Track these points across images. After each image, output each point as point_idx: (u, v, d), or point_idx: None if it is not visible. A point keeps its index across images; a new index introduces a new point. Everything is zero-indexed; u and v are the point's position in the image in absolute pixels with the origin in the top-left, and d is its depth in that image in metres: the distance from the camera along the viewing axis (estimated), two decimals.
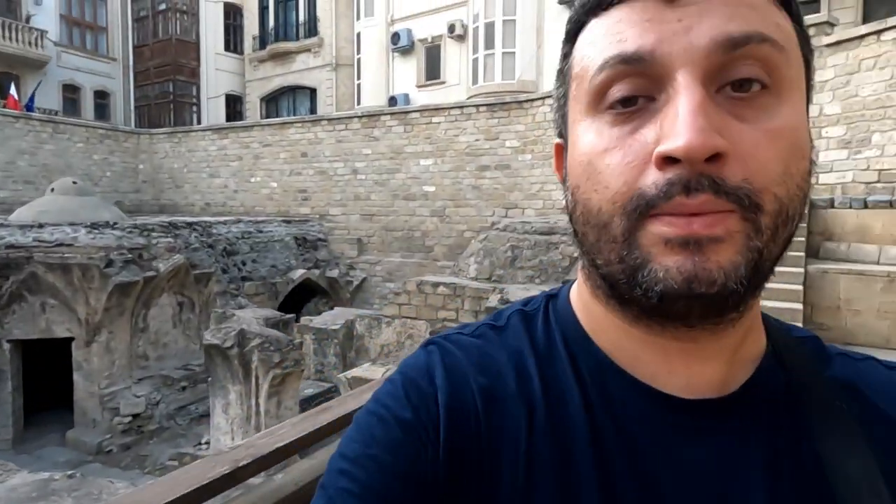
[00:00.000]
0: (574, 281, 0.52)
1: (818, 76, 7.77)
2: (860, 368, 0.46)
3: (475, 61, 16.20)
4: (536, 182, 11.74)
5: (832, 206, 6.70)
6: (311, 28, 21.29)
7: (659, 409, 0.42)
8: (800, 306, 5.34)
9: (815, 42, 7.89)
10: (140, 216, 13.51)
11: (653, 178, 0.35)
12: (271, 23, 22.34)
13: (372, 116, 14.01)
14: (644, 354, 0.43)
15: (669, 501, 0.40)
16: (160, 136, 17.61)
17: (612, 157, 0.37)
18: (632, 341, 0.43)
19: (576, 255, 5.66)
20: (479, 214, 12.24)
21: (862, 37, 6.92)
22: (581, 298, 0.48)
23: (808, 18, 8.50)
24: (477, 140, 12.48)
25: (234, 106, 23.66)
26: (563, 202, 0.44)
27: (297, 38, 21.59)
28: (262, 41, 22.53)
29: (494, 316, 0.52)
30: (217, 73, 23.01)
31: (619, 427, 0.42)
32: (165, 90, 22.11)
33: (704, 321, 0.38)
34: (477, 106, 12.70)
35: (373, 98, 18.97)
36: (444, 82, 17.79)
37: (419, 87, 18.41)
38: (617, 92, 0.37)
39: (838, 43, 7.11)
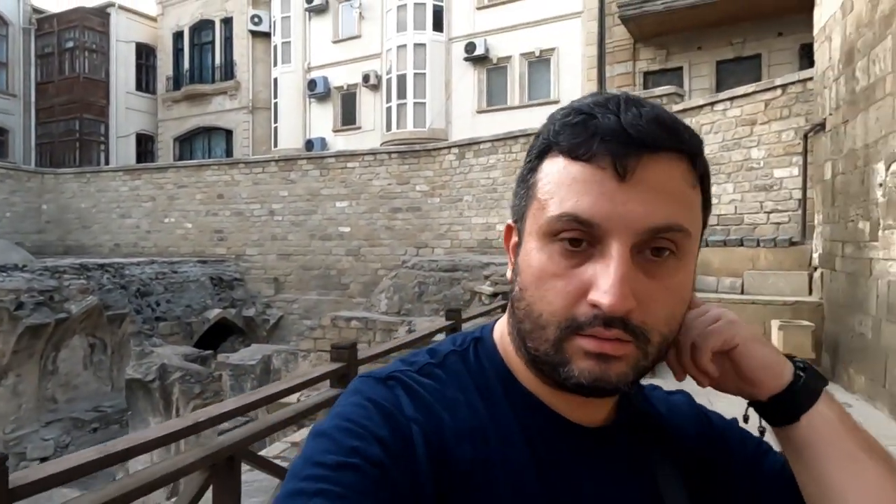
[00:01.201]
0: (493, 325, 0.62)
1: None
2: (653, 396, 0.66)
3: (389, 109, 17.22)
4: (444, 223, 12.72)
5: None
6: (228, 72, 21.65)
7: (575, 434, 0.55)
8: None
9: (666, 109, 9.41)
10: (44, 257, 13.21)
11: (584, 310, 0.48)
12: (186, 64, 22.49)
13: (289, 160, 14.61)
14: (555, 395, 0.55)
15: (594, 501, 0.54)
16: (67, 176, 17.24)
17: (558, 282, 0.49)
18: (545, 388, 0.55)
19: (475, 289, 6.61)
20: (392, 253, 13.02)
21: (700, 106, 8.47)
22: (506, 348, 0.57)
23: (663, 89, 10.14)
24: (390, 184, 13.35)
25: (146, 145, 23.36)
26: (508, 275, 0.57)
27: (213, 81, 21.85)
28: (177, 82, 22.58)
29: (430, 354, 0.58)
30: (128, 111, 22.73)
31: (551, 451, 0.53)
32: (71, 128, 21.58)
33: (597, 398, 0.53)
34: (389, 153, 13.63)
35: (290, 141, 19.49)
36: (359, 128, 18.65)
37: (335, 131, 19.15)
38: (568, 234, 0.48)
39: (685, 110, 8.63)
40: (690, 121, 8.68)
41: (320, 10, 19.47)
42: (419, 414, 0.50)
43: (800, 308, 6.36)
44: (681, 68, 13.53)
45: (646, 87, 13.52)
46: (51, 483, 1.36)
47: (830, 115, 6.08)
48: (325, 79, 19.20)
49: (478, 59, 16.28)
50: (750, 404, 0.59)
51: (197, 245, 15.09)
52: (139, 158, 22.27)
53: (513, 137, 12.16)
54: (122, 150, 22.40)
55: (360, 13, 18.61)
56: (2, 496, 1.31)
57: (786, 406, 0.56)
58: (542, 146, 0.52)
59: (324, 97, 19.35)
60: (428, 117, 16.63)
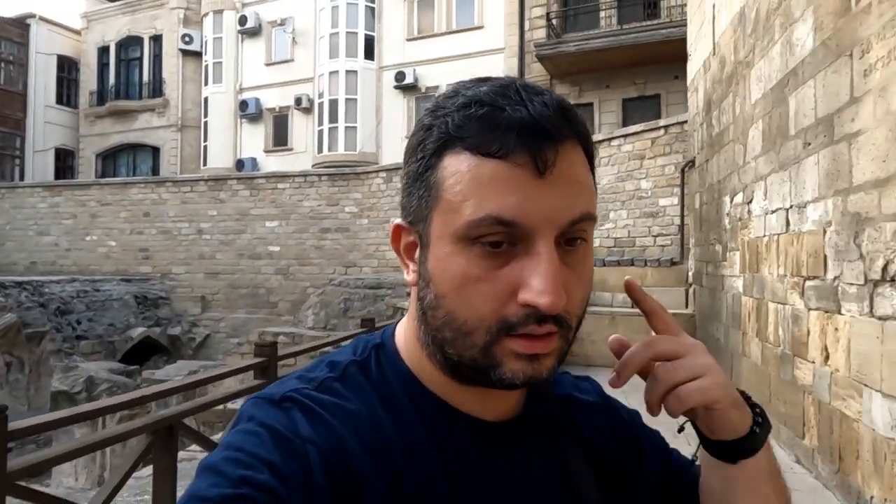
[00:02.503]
0: (393, 329, 0.60)
1: None
2: (562, 381, 0.68)
3: (320, 132, 17.69)
4: (373, 243, 13.27)
5: None
6: (156, 89, 21.46)
7: (479, 430, 0.55)
8: None
9: None
10: None
11: (514, 311, 0.47)
12: (112, 80, 22.10)
13: (219, 180, 14.77)
14: (463, 395, 0.54)
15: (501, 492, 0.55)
16: None
17: (481, 286, 0.47)
18: (455, 387, 0.54)
19: (397, 305, 7.27)
20: (322, 272, 13.42)
21: (599, 142, 9.51)
22: (410, 348, 0.56)
23: None
24: (320, 205, 13.80)
25: (66, 160, 22.64)
26: (408, 279, 0.55)
27: (140, 98, 21.59)
28: (101, 97, 22.13)
29: (329, 367, 0.56)
30: (47, 125, 22.03)
31: (458, 452, 0.54)
32: None
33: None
34: (319, 175, 14.10)
35: (220, 160, 19.54)
36: (291, 149, 18.98)
37: (267, 151, 19.38)
38: (491, 238, 0.47)
39: None
40: None
41: (253, 33, 19.78)
42: (316, 434, 0.48)
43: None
44: (592, 104, 14.81)
45: None
46: (42, 429, 1.86)
47: (698, 153, 7.16)
48: (258, 100, 19.45)
49: (407, 88, 17.08)
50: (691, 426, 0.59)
51: (120, 263, 14.89)
52: (58, 174, 21.57)
53: None
54: (40, 165, 21.64)
55: (293, 38, 19.07)
56: (1, 437, 1.80)
57: (730, 450, 0.56)
58: (441, 140, 0.49)
59: (255, 118, 19.57)
60: (359, 141, 17.22)
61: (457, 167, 0.48)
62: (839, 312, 3.28)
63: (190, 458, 3.60)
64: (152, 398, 2.42)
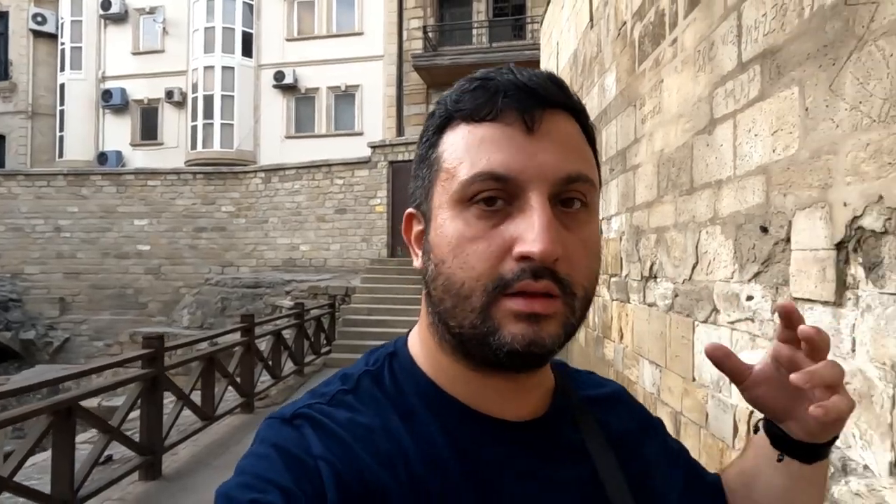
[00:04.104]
0: (406, 337, 0.59)
1: None
2: (590, 380, 0.67)
3: (194, 128, 17.16)
4: (250, 243, 13.29)
5: None
6: (2, 71, 19.51)
7: (502, 431, 0.53)
8: None
9: None
10: None
11: (510, 266, 0.46)
12: None
13: (80, 175, 13.95)
14: (484, 393, 0.53)
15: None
16: None
17: (478, 244, 0.47)
18: (473, 384, 0.53)
19: (276, 303, 7.68)
20: (196, 272, 13.20)
21: None
22: (425, 351, 0.55)
23: None
24: (194, 203, 13.54)
25: None
26: (416, 265, 0.54)
27: None
28: None
29: (342, 380, 0.55)
30: None
31: (481, 454, 0.51)
32: None
33: (529, 370, 0.51)
34: (194, 173, 13.82)
35: (79, 152, 18.22)
36: (161, 143, 18.16)
37: (134, 145, 18.39)
38: (484, 194, 0.47)
39: None
40: None
41: (118, 19, 18.68)
42: (328, 451, 0.47)
43: None
44: None
45: None
46: None
47: None
48: (123, 90, 18.40)
49: (287, 88, 17.10)
50: (769, 430, 0.60)
51: None
52: None
53: (316, 166, 13.29)
54: None
55: (164, 28, 18.30)
56: None
57: (814, 452, 0.58)
58: (441, 120, 0.52)
59: (121, 109, 18.50)
60: (235, 139, 16.96)
61: (453, 138, 0.50)
62: (628, 302, 4.28)
63: (87, 441, 3.84)
64: (47, 384, 2.75)
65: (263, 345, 6.50)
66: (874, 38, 1.78)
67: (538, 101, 0.49)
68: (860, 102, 1.83)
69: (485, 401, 0.53)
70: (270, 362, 6.60)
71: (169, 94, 17.80)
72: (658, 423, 0.68)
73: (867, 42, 1.81)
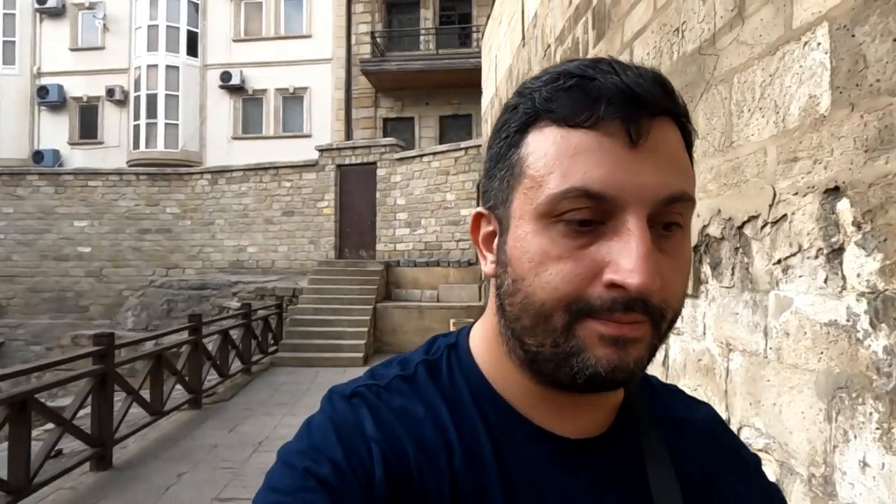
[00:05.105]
0: (469, 330, 0.57)
1: (393, 179, 11.52)
2: (668, 395, 0.61)
3: (137, 127, 16.84)
4: (196, 245, 13.24)
5: (398, 265, 10.19)
6: None
7: (553, 448, 0.50)
8: (367, 328, 8.32)
9: (389, 157, 11.71)
10: None
11: (598, 292, 0.42)
12: None
13: (15, 175, 13.54)
14: (541, 405, 0.50)
15: None
16: None
17: (564, 265, 0.43)
18: (532, 395, 0.50)
19: (223, 305, 7.83)
20: (140, 274, 13.04)
21: (412, 157, 10.81)
22: (489, 354, 0.52)
23: (387, 140, 12.41)
24: (138, 205, 13.37)
25: None
26: (486, 270, 0.51)
27: None
28: None
29: (401, 365, 0.55)
30: None
31: (522, 466, 0.49)
32: None
33: (602, 392, 0.47)
34: (137, 174, 13.64)
35: (11, 150, 17.55)
36: (102, 143, 17.71)
37: (72, 144, 17.86)
38: (577, 214, 0.42)
39: (402, 160, 10.89)
40: (406, 168, 10.99)
41: (55, 14, 18.13)
42: (380, 433, 0.48)
43: (471, 309, 8.84)
44: (413, 118, 16.20)
45: (385, 131, 15.89)
46: None
47: None
48: (61, 87, 17.85)
49: (234, 89, 17.01)
50: None
51: None
52: None
53: (264, 168, 13.36)
54: None
55: (105, 24, 17.87)
56: None
57: None
58: (527, 116, 0.46)
59: (58, 107, 17.94)
60: (180, 139, 16.75)
61: (541, 142, 0.45)
62: None
63: (37, 439, 3.98)
64: (5, 377, 2.94)
65: (211, 344, 6.69)
66: (716, 82, 2.24)
67: (644, 107, 0.44)
68: (707, 134, 2.29)
69: (538, 411, 0.51)
70: (218, 361, 6.77)
71: (110, 92, 17.41)
72: (754, 461, 0.61)
73: (712, 85, 2.27)
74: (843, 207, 1.56)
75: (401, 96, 16.07)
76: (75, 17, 18.20)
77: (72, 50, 18.14)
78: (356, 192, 12.37)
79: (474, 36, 15.45)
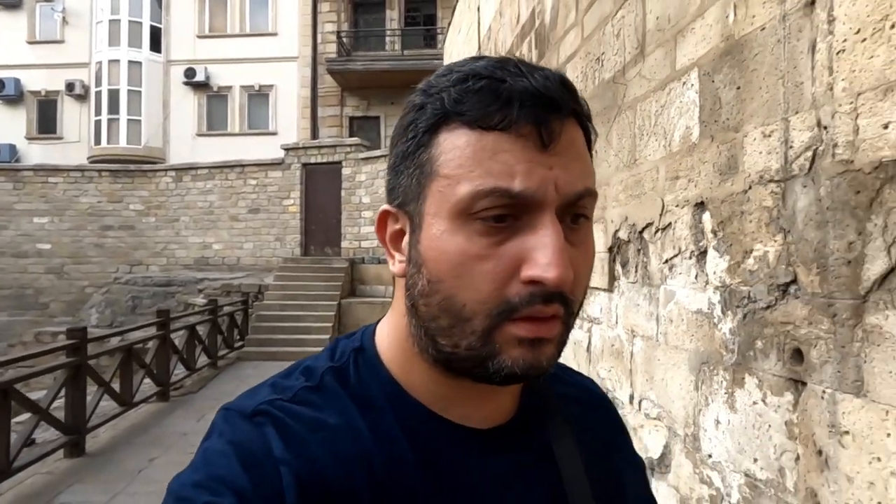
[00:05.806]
0: (373, 330, 0.56)
1: (358, 178, 11.78)
2: (566, 375, 0.64)
3: (98, 123, 16.65)
4: (161, 242, 13.25)
5: (363, 262, 10.48)
6: None
7: (468, 440, 0.51)
8: (332, 323, 8.60)
9: (354, 157, 11.97)
10: None
11: (517, 290, 0.43)
12: None
13: None
14: (453, 400, 0.51)
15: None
16: None
17: (484, 264, 0.43)
18: (444, 389, 0.50)
19: (189, 301, 8.04)
20: (103, 271, 12.99)
21: (377, 157, 11.10)
22: (399, 355, 0.52)
23: (352, 140, 12.66)
24: (100, 201, 13.31)
25: None
26: (394, 270, 0.50)
27: None
28: None
29: (305, 374, 0.52)
30: None
31: (446, 464, 0.50)
32: None
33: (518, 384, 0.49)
34: (100, 170, 13.56)
35: None
36: (61, 138, 17.44)
37: (30, 139, 17.54)
38: (494, 211, 0.43)
39: (367, 159, 11.17)
40: (371, 168, 11.27)
41: (11, 6, 17.76)
42: (290, 453, 0.45)
43: None
44: (379, 117, 16.45)
45: (351, 130, 16.10)
46: None
47: None
48: (17, 80, 17.50)
49: (198, 85, 16.96)
50: None
51: None
52: None
53: (229, 166, 13.45)
54: None
55: (64, 18, 17.58)
56: None
57: None
58: (436, 117, 0.45)
59: (15, 100, 17.58)
60: (144, 135, 16.63)
61: (454, 142, 0.45)
62: None
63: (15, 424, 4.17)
64: None
65: (178, 339, 6.88)
66: (625, 108, 2.63)
67: (555, 110, 0.45)
68: (619, 151, 2.68)
69: (450, 406, 0.51)
70: (185, 355, 6.97)
71: (70, 86, 17.15)
72: (625, 428, 0.66)
73: (622, 110, 2.66)
74: (706, 219, 1.95)
75: (367, 95, 16.29)
76: (33, 10, 17.86)
77: (29, 43, 17.80)
78: (322, 190, 12.59)
79: (439, 37, 15.77)
